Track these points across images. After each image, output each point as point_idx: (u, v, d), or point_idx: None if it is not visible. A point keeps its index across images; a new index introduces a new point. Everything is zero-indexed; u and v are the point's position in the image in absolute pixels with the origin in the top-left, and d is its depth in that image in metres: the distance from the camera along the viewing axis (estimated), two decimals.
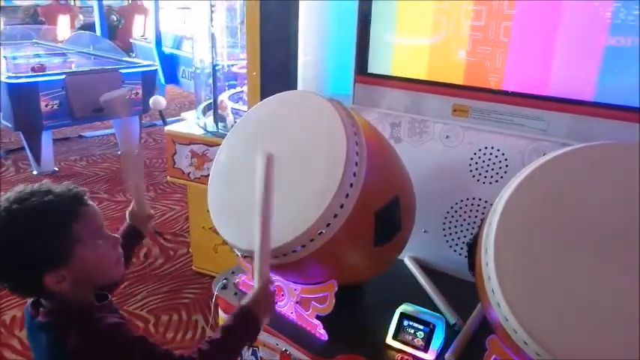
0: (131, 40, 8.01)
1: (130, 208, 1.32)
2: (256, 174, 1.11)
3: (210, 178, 1.48)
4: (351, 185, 1.22)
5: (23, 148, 4.71)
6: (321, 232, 1.23)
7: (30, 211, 0.94)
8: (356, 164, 1.24)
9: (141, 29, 9.42)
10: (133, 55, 7.20)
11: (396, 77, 1.76)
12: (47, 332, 0.99)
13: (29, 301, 1.06)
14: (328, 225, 1.22)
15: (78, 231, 0.97)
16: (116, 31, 9.58)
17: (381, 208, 1.34)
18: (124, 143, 1.25)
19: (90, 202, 1.03)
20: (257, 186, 1.11)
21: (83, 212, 0.99)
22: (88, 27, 8.69)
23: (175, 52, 6.72)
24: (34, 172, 4.63)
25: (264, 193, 1.10)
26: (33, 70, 4.63)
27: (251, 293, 1.15)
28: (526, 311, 0.96)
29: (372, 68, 1.81)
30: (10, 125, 4.44)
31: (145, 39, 7.67)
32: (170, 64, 6.75)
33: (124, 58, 5.57)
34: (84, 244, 0.98)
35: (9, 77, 4.23)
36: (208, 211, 2.64)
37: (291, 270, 1.37)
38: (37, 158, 4.58)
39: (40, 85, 4.29)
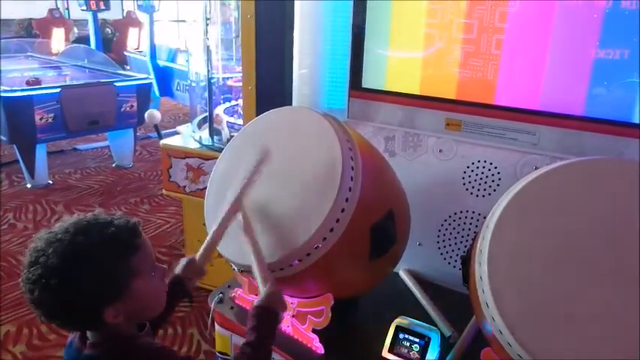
0: (125, 53, 8.04)
1: (188, 258, 1.29)
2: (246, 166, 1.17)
3: (206, 192, 1.50)
4: (347, 200, 1.24)
5: (17, 161, 4.71)
6: (318, 247, 1.24)
7: (94, 244, 0.92)
8: (351, 179, 1.25)
9: (135, 42, 9.48)
10: (128, 67, 7.23)
11: (390, 92, 1.78)
12: None
13: (73, 336, 1.05)
14: (324, 239, 1.23)
15: (136, 264, 0.96)
16: (111, 44, 9.62)
17: (376, 222, 1.35)
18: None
19: (143, 233, 1.02)
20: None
21: (140, 244, 0.99)
22: (83, 40, 8.71)
23: (170, 64, 6.76)
24: (28, 186, 4.62)
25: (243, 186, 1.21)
26: (28, 83, 4.63)
27: (262, 294, 1.17)
28: (520, 325, 0.97)
29: (366, 83, 1.83)
30: (4, 138, 4.44)
31: (140, 52, 7.71)
32: (165, 76, 6.78)
33: (119, 71, 5.60)
34: (141, 277, 0.97)
35: (4, 91, 4.24)
36: (204, 224, 2.64)
37: (288, 284, 1.37)
38: (32, 171, 4.57)
39: (35, 99, 4.31)
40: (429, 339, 1.32)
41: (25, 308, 2.82)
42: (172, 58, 6.82)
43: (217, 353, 1.69)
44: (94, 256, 0.92)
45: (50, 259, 0.89)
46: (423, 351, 1.31)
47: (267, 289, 1.17)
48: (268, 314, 1.14)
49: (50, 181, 4.75)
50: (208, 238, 1.29)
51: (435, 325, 1.46)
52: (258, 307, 1.14)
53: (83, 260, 0.91)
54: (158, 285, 1.03)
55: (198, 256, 1.28)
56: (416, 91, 1.72)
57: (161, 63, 6.83)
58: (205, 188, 2.48)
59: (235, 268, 1.40)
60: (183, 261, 1.29)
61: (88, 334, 1.01)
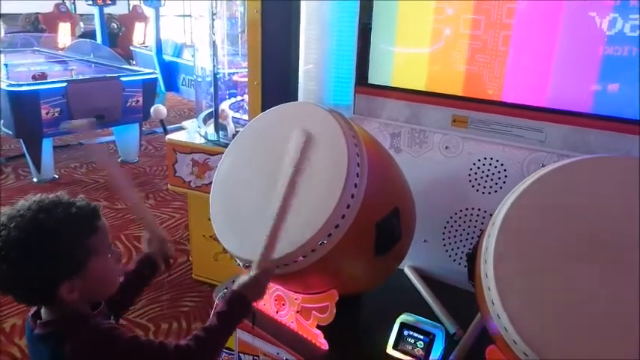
0: (131, 48, 8.05)
1: (144, 241, 1.32)
2: (289, 152, 1.18)
3: (212, 188, 1.50)
4: (353, 196, 1.24)
5: (24, 155, 4.73)
6: (323, 243, 1.24)
7: (55, 221, 0.96)
8: (357, 175, 1.25)
9: (141, 37, 9.48)
10: (134, 62, 7.23)
11: (396, 88, 1.77)
12: (45, 343, 1.01)
13: (29, 314, 1.07)
14: (330, 235, 1.23)
15: (94, 243, 1.01)
16: (116, 38, 9.64)
17: (381, 219, 1.35)
18: (110, 172, 1.22)
19: (102, 217, 1.06)
20: (286, 167, 1.18)
21: (100, 226, 1.03)
22: (89, 35, 8.73)
23: (176, 59, 6.76)
24: (35, 180, 4.65)
25: (293, 176, 1.19)
26: (34, 78, 4.65)
27: (246, 277, 1.17)
28: (525, 322, 0.97)
29: (372, 79, 1.83)
30: (10, 132, 4.46)
31: (146, 47, 7.71)
32: (170, 71, 6.78)
33: (125, 66, 5.60)
34: (97, 256, 1.01)
35: (10, 85, 4.25)
36: (209, 219, 2.65)
37: (293, 280, 1.38)
38: (38, 165, 4.59)
39: (41, 93, 4.31)
40: (434, 336, 1.32)
41: None
42: (178, 53, 6.82)
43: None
44: (55, 233, 0.96)
45: (11, 232, 0.93)
46: (428, 348, 1.31)
47: (253, 276, 1.17)
48: (240, 304, 1.14)
49: (56, 176, 4.77)
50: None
51: (440, 322, 1.45)
52: (235, 292, 1.15)
53: (43, 235, 0.95)
54: (113, 267, 1.08)
55: (145, 233, 1.32)
56: (422, 88, 1.72)
57: (167, 58, 6.83)
58: (211, 183, 2.48)
59: (240, 263, 1.40)
60: (143, 241, 1.33)
61: (42, 312, 1.04)
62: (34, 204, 0.98)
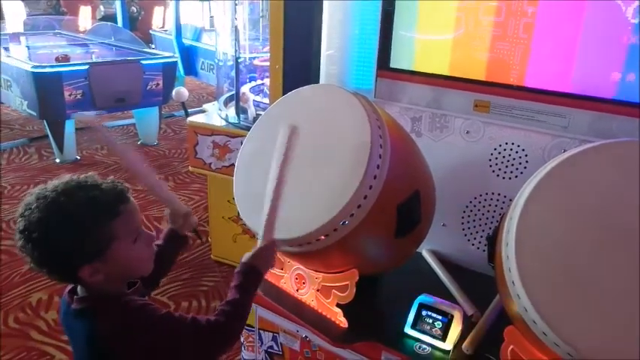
0: (151, 32, 8.09)
1: (166, 218, 1.33)
2: (277, 143, 1.20)
3: (235, 168, 1.52)
4: (375, 177, 1.26)
5: (47, 137, 4.82)
6: (345, 222, 1.26)
7: (75, 205, 0.96)
8: (380, 157, 1.27)
9: (160, 21, 9.51)
10: (153, 46, 7.28)
11: (418, 72, 1.78)
12: (81, 319, 1.03)
13: (66, 289, 1.11)
14: (351, 215, 1.25)
15: (117, 228, 1.00)
16: (136, 22, 9.68)
17: (402, 201, 1.37)
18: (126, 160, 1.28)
19: (131, 198, 1.06)
20: (275, 154, 1.19)
21: (124, 210, 1.02)
22: (109, 18, 8.79)
23: (195, 44, 6.79)
24: (57, 160, 4.74)
25: (282, 162, 1.20)
26: (57, 60, 4.72)
27: (253, 250, 1.20)
28: (546, 302, 0.98)
29: (394, 63, 1.83)
30: (34, 113, 4.54)
31: (165, 30, 7.74)
32: (189, 55, 6.82)
33: (145, 49, 5.64)
34: (121, 241, 1.01)
35: (34, 67, 4.32)
36: (228, 201, 2.70)
37: (314, 258, 1.41)
38: (60, 146, 4.68)
39: (64, 75, 4.38)
40: (452, 316, 1.34)
41: None
42: (197, 37, 6.84)
43: None
44: (73, 217, 0.96)
45: (33, 213, 0.95)
46: (446, 328, 1.34)
47: (260, 247, 1.20)
48: (252, 272, 1.17)
49: (78, 157, 4.86)
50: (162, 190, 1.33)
51: (458, 304, 1.47)
52: (244, 263, 1.18)
53: (62, 219, 0.96)
54: (142, 250, 1.06)
55: (166, 211, 1.33)
56: (445, 72, 1.72)
57: (186, 42, 6.86)
58: (231, 165, 2.52)
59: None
60: (165, 219, 1.34)
61: (78, 288, 1.07)
62: (60, 185, 0.99)
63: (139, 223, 1.07)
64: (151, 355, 1.03)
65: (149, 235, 1.10)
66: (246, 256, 1.19)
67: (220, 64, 3.23)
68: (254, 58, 3.20)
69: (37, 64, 4.40)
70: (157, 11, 9.76)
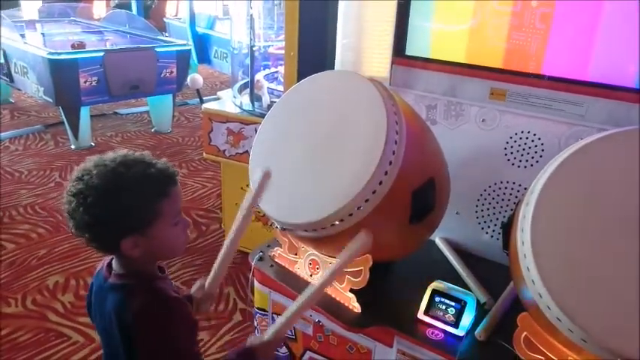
0: (165, 20, 8.11)
1: (198, 283, 1.36)
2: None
3: (251, 154, 1.53)
4: (390, 163, 1.26)
5: (62, 123, 4.87)
6: (360, 207, 1.27)
7: (132, 178, 1.01)
8: (395, 143, 1.27)
9: (174, 9, 9.52)
10: (166, 34, 7.30)
11: (434, 60, 1.77)
12: (115, 292, 1.07)
13: (103, 265, 1.14)
14: (366, 201, 1.26)
15: (164, 207, 1.04)
16: (149, 10, 9.70)
17: (417, 188, 1.37)
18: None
19: (178, 183, 1.10)
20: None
21: (172, 192, 1.07)
22: (124, 6, 8.81)
23: (208, 32, 6.80)
24: (72, 147, 4.79)
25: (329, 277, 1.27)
26: (73, 47, 4.75)
27: (263, 339, 1.19)
28: (561, 288, 0.99)
29: (410, 50, 1.83)
30: (50, 100, 4.59)
31: (179, 19, 7.76)
32: (203, 44, 6.84)
33: (159, 37, 5.66)
34: (163, 220, 1.05)
35: (50, 53, 4.36)
36: (242, 188, 2.72)
37: (328, 243, 1.42)
38: (76, 133, 4.73)
39: (80, 62, 4.42)
40: (465, 303, 1.35)
41: (72, 260, 2.98)
42: (211, 25, 6.85)
43: (256, 309, 1.76)
44: (129, 187, 1.00)
45: (92, 178, 0.99)
46: (459, 314, 1.34)
47: (270, 341, 1.19)
48: (248, 358, 1.16)
49: (93, 143, 4.91)
50: (216, 263, 1.36)
51: (471, 291, 1.48)
52: (247, 348, 1.17)
53: (118, 188, 1.00)
54: (179, 234, 1.11)
55: (207, 282, 1.36)
56: (461, 60, 1.71)
57: (200, 30, 6.88)
58: (245, 152, 2.54)
59: (277, 226, 1.45)
60: (197, 283, 1.38)
61: (114, 264, 1.11)
62: (119, 157, 1.03)
63: (181, 208, 1.11)
64: (151, 348, 1.04)
65: (187, 222, 1.14)
66: (251, 341, 1.20)
67: (235, 52, 3.23)
68: (268, 46, 3.20)
69: (53, 51, 4.44)
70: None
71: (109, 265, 1.13)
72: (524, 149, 1.64)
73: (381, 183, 1.26)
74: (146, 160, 1.05)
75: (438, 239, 1.82)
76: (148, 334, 1.03)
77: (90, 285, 1.20)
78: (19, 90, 5.46)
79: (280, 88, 2.76)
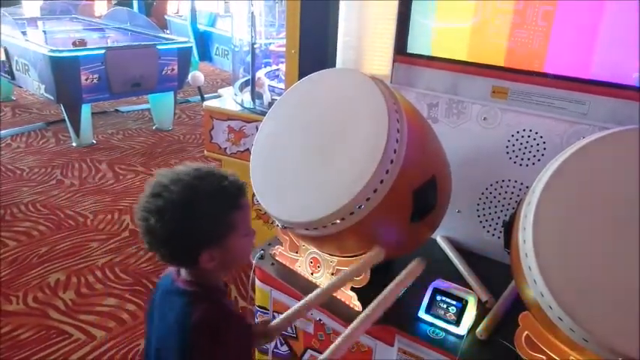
0: (166, 17, 8.10)
1: (264, 318, 1.37)
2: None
3: (252, 152, 1.53)
4: (392, 161, 1.26)
5: (64, 121, 4.87)
6: (361, 206, 1.27)
7: (208, 191, 1.01)
8: (397, 141, 1.27)
9: (175, 6, 9.51)
10: (167, 32, 7.29)
11: (436, 57, 1.76)
12: (181, 297, 1.06)
13: (172, 268, 1.14)
14: (368, 199, 1.26)
15: (237, 219, 1.05)
16: (151, 8, 9.69)
17: (419, 187, 1.37)
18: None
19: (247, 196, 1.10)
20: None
21: (244, 204, 1.07)
22: (125, 3, 8.81)
23: (209, 29, 6.79)
24: (74, 144, 4.80)
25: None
26: (74, 44, 4.75)
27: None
28: (562, 288, 0.98)
29: (412, 48, 1.82)
30: (52, 97, 4.59)
31: (180, 16, 7.75)
32: (204, 41, 6.83)
33: (160, 35, 5.66)
34: (238, 232, 1.05)
35: (52, 51, 4.36)
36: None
37: (329, 242, 1.42)
38: (77, 131, 4.73)
39: (81, 59, 4.42)
40: (466, 302, 1.35)
41: (73, 258, 2.98)
42: (212, 22, 6.85)
43: (256, 307, 1.76)
44: (208, 201, 1.01)
45: (172, 194, 0.99)
46: (460, 313, 1.34)
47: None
48: None
49: (94, 141, 4.92)
50: (291, 311, 1.32)
51: (472, 290, 1.48)
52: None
53: (199, 202, 1.00)
54: (248, 245, 1.11)
55: (273, 322, 1.32)
56: (463, 58, 1.70)
57: (201, 27, 6.87)
58: (246, 150, 2.53)
59: (279, 224, 1.45)
60: (264, 318, 1.40)
61: (182, 270, 1.11)
62: (192, 170, 1.03)
63: (250, 219, 1.12)
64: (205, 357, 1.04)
65: (254, 232, 1.14)
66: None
67: (236, 49, 3.23)
68: (269, 43, 3.20)
69: (55, 49, 4.44)
70: None
71: (177, 270, 1.13)
72: (525, 147, 1.64)
73: (382, 181, 1.26)
74: (217, 173, 1.05)
75: (439, 238, 1.82)
76: (206, 343, 1.02)
77: (157, 284, 1.19)
78: (21, 87, 5.46)
79: (281, 85, 2.75)
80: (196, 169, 1.03)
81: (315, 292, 1.30)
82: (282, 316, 1.30)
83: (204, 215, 1.00)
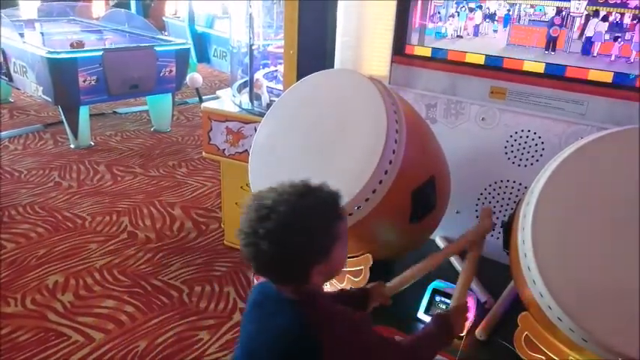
0: (164, 19, 8.09)
1: (379, 282, 1.36)
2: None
3: (251, 153, 1.53)
4: (390, 162, 1.26)
5: (62, 122, 4.86)
6: (360, 207, 1.27)
7: (313, 206, 0.99)
8: (395, 142, 1.27)
9: (173, 8, 9.51)
10: (165, 33, 7.28)
11: (434, 58, 1.77)
12: (291, 306, 1.03)
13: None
14: (367, 200, 1.26)
15: (339, 229, 1.03)
16: (149, 9, 9.68)
17: (417, 187, 1.37)
18: None
19: None
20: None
21: (343, 213, 1.05)
22: (123, 5, 8.79)
23: (208, 31, 6.78)
24: (72, 146, 4.78)
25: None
26: (72, 46, 4.74)
27: (450, 307, 1.29)
28: (561, 288, 0.98)
29: (410, 49, 1.82)
30: (49, 99, 4.57)
31: (178, 17, 7.74)
32: (202, 42, 6.81)
33: (158, 36, 5.65)
34: (340, 242, 1.03)
35: (49, 52, 4.35)
36: (242, 187, 2.70)
37: None
38: (75, 132, 4.71)
39: (79, 61, 4.40)
40: (465, 302, 1.34)
41: (71, 260, 2.98)
42: (210, 24, 6.83)
43: None
44: (316, 216, 0.99)
45: (280, 215, 0.96)
46: None
47: (456, 306, 1.28)
48: (444, 327, 1.20)
49: (92, 143, 4.90)
50: (407, 272, 1.37)
51: (471, 291, 1.48)
52: (441, 315, 1.24)
53: (309, 219, 0.98)
54: (346, 253, 1.09)
55: (388, 283, 1.35)
56: (461, 58, 1.71)
57: (199, 29, 6.86)
58: (245, 152, 2.53)
59: None
60: (374, 284, 1.37)
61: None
62: (291, 188, 1.00)
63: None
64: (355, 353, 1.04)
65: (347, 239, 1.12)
66: (444, 311, 1.27)
67: (234, 50, 3.23)
68: (268, 45, 3.19)
69: (52, 50, 4.43)
70: None
71: None
72: (524, 148, 1.64)
73: (381, 182, 1.26)
74: (313, 186, 1.03)
75: (438, 238, 1.82)
76: (340, 346, 1.01)
77: (252, 289, 1.16)
78: (18, 89, 5.44)
79: (280, 87, 2.75)
80: (293, 185, 1.01)
81: (430, 256, 1.36)
82: (396, 278, 1.33)
83: (315, 231, 0.98)
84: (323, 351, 0.98)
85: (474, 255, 1.41)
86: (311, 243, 0.98)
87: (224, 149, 2.78)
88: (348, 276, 1.44)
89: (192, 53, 6.39)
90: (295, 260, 0.99)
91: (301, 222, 0.97)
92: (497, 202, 1.72)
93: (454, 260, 1.69)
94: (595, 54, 1.47)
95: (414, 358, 1.14)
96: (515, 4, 1.56)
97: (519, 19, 1.57)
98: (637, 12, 1.38)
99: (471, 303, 1.36)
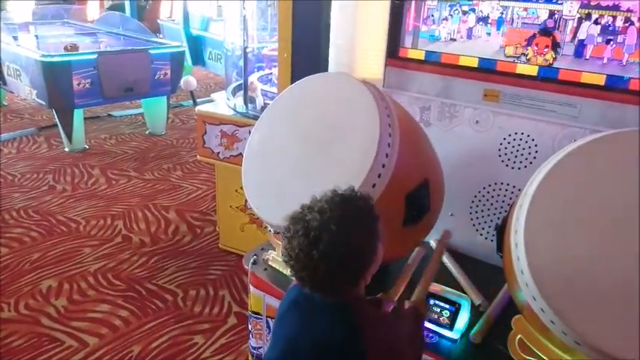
0: (159, 21, 8.08)
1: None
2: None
3: (244, 157, 1.53)
4: (384, 166, 1.26)
5: (56, 126, 4.84)
6: None
7: (357, 214, 1.00)
8: (389, 145, 1.27)
9: (168, 10, 9.50)
10: (160, 36, 7.27)
11: (428, 61, 1.77)
12: (338, 311, 1.03)
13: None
14: None
15: (379, 228, 1.03)
16: (144, 12, 9.66)
17: (411, 190, 1.37)
18: None
19: None
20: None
21: (377, 211, 1.05)
22: (117, 7, 8.78)
23: (203, 33, 6.78)
24: (66, 149, 4.76)
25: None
26: (66, 49, 4.72)
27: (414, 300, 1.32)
28: (554, 291, 0.99)
29: (404, 52, 1.82)
30: (44, 103, 4.55)
31: (173, 20, 7.74)
32: (197, 45, 6.81)
33: (153, 39, 5.64)
34: (380, 241, 1.04)
35: (43, 55, 4.33)
36: (236, 191, 2.70)
37: None
38: (69, 136, 4.70)
39: (73, 64, 4.38)
40: (460, 305, 1.35)
41: (65, 264, 2.96)
42: (205, 26, 6.83)
43: (250, 312, 1.75)
44: (363, 224, 1.00)
45: (334, 235, 0.95)
46: (453, 317, 1.34)
47: (415, 297, 1.32)
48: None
49: (86, 146, 4.88)
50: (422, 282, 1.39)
51: (465, 294, 1.48)
52: (411, 307, 1.28)
53: (358, 229, 0.99)
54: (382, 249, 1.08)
55: (413, 298, 1.35)
56: (455, 61, 1.71)
57: (194, 32, 6.86)
58: (239, 155, 2.52)
59: (271, 230, 1.44)
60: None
61: None
62: (329, 201, 1.00)
63: None
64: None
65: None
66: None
67: (229, 53, 3.22)
68: (262, 47, 3.19)
69: (46, 54, 4.41)
70: (165, 1, 9.73)
71: None
72: (518, 150, 1.64)
73: (374, 186, 1.26)
74: (346, 192, 1.03)
75: (432, 241, 1.81)
76: (388, 351, 1.03)
77: (287, 293, 1.16)
78: (12, 93, 5.42)
79: (274, 89, 2.75)
80: (328, 200, 1.01)
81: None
82: (417, 290, 1.35)
83: (364, 240, 0.99)
84: (367, 354, 0.99)
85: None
86: (363, 253, 0.99)
87: (218, 152, 2.78)
88: None
89: (187, 56, 6.38)
90: (352, 273, 1.00)
91: (352, 236, 0.97)
92: (491, 204, 1.72)
93: (448, 263, 1.69)
94: (588, 57, 1.47)
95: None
96: (508, 7, 1.57)
97: (512, 22, 1.57)
98: (629, 15, 1.38)
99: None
